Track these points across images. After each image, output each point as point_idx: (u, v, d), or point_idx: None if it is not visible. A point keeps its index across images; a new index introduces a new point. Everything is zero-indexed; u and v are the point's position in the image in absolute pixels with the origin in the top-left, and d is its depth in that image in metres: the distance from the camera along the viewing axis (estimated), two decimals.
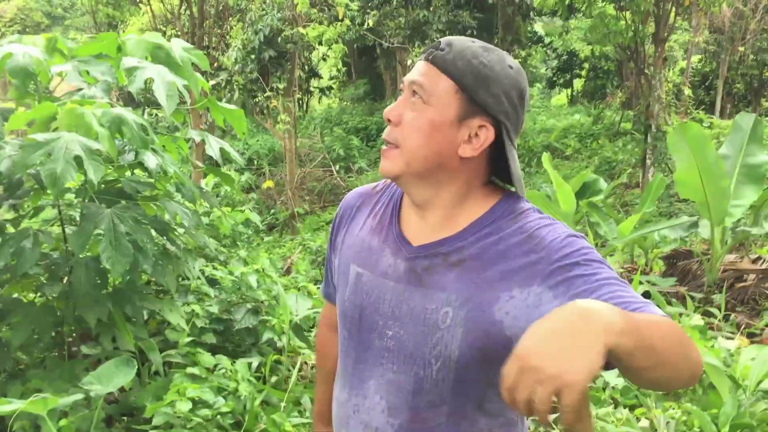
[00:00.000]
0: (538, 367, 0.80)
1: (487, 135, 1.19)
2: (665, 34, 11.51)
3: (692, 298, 4.94)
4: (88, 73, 2.68)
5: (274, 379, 3.41)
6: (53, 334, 2.90)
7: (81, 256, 2.67)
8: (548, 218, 1.22)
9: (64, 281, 2.87)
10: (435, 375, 1.20)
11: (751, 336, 4.58)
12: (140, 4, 15.35)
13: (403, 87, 1.23)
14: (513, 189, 1.27)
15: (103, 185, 2.80)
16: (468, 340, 1.17)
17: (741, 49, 17.64)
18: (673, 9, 11.39)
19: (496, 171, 1.27)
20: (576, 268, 1.11)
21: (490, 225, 1.21)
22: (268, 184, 14.31)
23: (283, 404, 3.16)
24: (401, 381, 1.24)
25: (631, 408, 3.35)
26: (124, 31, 13.10)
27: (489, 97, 1.17)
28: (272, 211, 14.46)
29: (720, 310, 4.75)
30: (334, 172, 16.15)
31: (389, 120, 1.23)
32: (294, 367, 3.52)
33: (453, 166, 1.21)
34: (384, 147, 1.24)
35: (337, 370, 1.41)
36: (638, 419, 3.22)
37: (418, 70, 1.21)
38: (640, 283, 4.69)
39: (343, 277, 1.37)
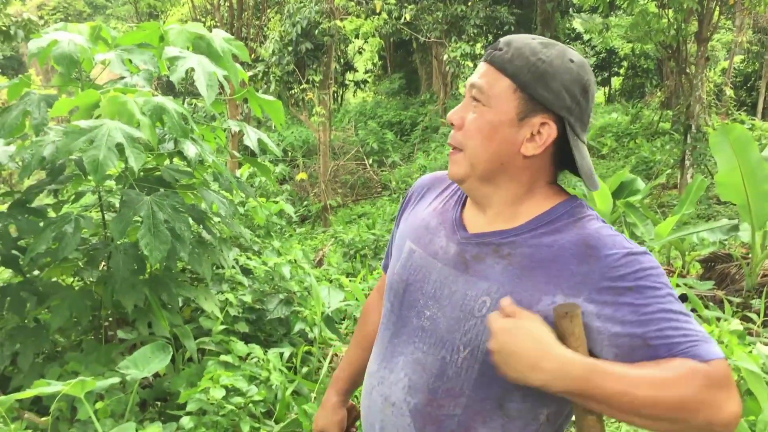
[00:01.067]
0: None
1: (550, 132, 1.18)
2: (708, 33, 11.27)
3: (730, 302, 4.83)
4: (131, 61, 2.71)
5: (305, 369, 3.43)
6: (91, 318, 2.95)
7: (120, 242, 2.71)
8: (609, 228, 1.18)
9: (103, 266, 2.91)
10: (460, 363, 1.20)
11: None
12: None
13: (465, 90, 1.24)
14: (576, 193, 1.24)
15: (143, 173, 2.84)
16: None
17: None
18: (717, 8, 11.14)
19: (565, 167, 1.25)
20: (627, 294, 1.09)
21: (548, 225, 1.20)
22: (302, 176, 14.38)
23: (313, 395, 3.17)
24: (428, 362, 1.24)
25: None
26: (165, 21, 13.24)
27: (548, 93, 1.16)
28: (305, 202, 14.55)
29: (759, 315, 4.64)
30: (368, 166, 16.17)
31: (452, 123, 1.24)
32: (325, 359, 3.53)
33: (517, 165, 1.21)
34: (450, 151, 1.26)
35: (375, 342, 1.43)
36: None
37: (478, 72, 1.22)
38: (677, 285, 4.60)
39: (397, 251, 1.40)
